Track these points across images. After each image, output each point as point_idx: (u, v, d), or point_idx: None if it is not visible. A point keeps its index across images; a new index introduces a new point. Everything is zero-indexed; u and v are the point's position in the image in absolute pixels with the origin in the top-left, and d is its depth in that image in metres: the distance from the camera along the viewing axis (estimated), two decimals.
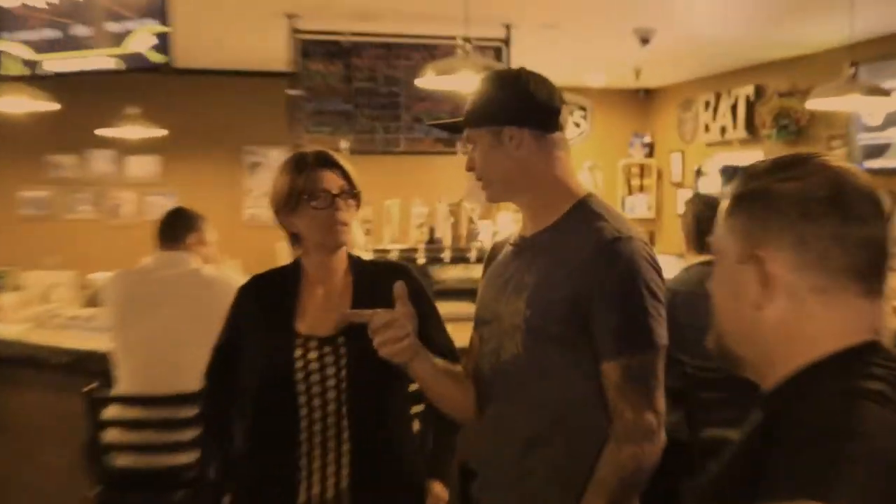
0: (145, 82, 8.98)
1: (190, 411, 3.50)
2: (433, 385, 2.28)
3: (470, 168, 2.28)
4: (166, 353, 3.73)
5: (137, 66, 4.88)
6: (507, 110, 2.21)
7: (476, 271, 7.69)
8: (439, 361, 2.26)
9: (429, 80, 5.10)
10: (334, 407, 2.50)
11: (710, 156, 9.80)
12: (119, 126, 8.06)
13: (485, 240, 7.59)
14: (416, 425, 2.94)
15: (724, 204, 1.43)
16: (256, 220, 10.06)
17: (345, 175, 2.58)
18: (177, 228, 3.97)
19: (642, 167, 11.11)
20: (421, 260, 6.35)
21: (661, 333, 2.12)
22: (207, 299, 2.94)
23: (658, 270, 2.15)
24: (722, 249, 1.41)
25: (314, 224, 2.54)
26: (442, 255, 6.25)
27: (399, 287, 2.13)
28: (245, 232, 9.37)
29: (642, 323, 2.09)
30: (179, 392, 3.53)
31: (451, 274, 7.52)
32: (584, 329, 2.12)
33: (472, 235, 7.61)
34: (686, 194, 10.01)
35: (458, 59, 5.00)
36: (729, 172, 8.11)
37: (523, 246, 2.27)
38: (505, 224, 6.78)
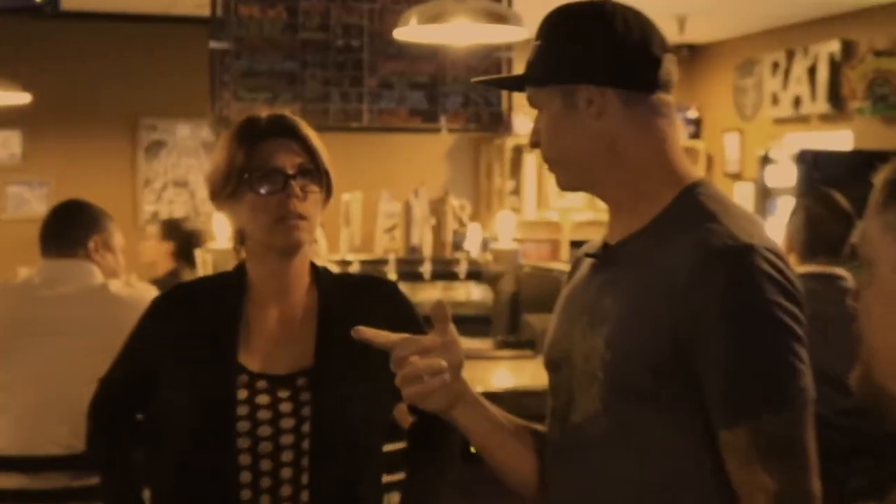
0: None
1: (94, 479, 3.50)
2: (488, 445, 2.26)
3: (534, 143, 2.26)
4: (63, 396, 3.73)
5: (9, 6, 4.88)
6: (583, 61, 2.18)
7: (463, 291, 7.72)
8: (498, 411, 2.25)
9: (411, 31, 5.13)
10: (290, 473, 2.50)
11: (780, 137, 9.90)
12: None
13: (472, 248, 7.61)
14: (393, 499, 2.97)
15: (875, 196, 1.46)
16: (159, 220, 10.05)
17: (307, 149, 2.56)
18: (73, 229, 3.98)
19: (686, 152, 11.20)
20: (391, 275, 6.37)
21: (805, 383, 2.03)
22: (117, 326, 2.93)
23: (794, 294, 2.07)
24: (874, 254, 1.44)
25: (259, 215, 2.53)
26: (420, 270, 6.27)
27: (439, 308, 2.09)
28: (143, 236, 9.35)
29: (774, 370, 2.02)
30: (78, 453, 3.53)
31: (430, 295, 7.55)
32: (689, 380, 2.06)
33: (458, 243, 7.64)
34: (746, 188, 10.11)
35: (450, 0, 5.03)
36: (807, 160, 8.19)
37: (606, 258, 2.23)
38: (504, 228, 6.80)
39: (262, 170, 2.52)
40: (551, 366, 2.29)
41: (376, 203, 7.53)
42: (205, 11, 7.08)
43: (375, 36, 6.89)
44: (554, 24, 2.24)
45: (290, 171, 2.52)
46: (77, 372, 3.72)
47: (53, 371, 3.77)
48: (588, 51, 2.18)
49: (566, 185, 2.27)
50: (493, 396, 4.22)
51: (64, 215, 4.05)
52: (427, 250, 6.95)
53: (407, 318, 2.61)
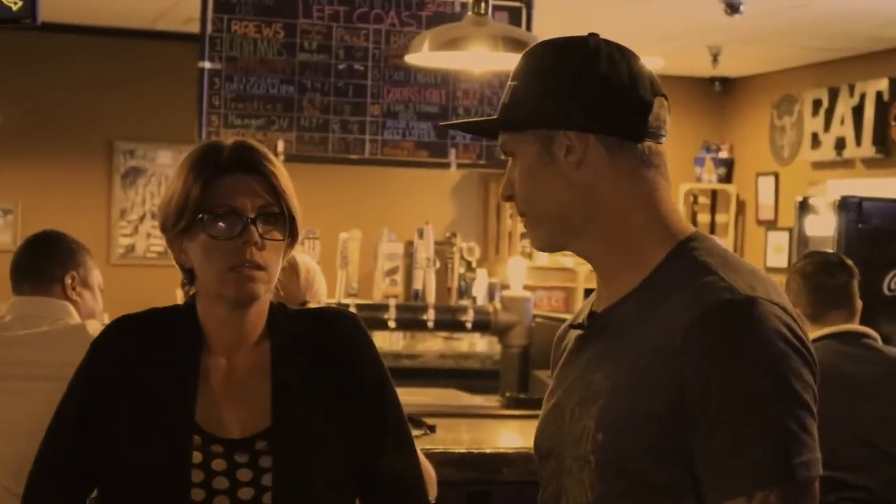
0: None
1: None
2: None
3: (507, 196, 2.23)
4: (29, 447, 3.73)
5: None
6: (563, 105, 2.14)
7: (467, 342, 7.74)
8: None
9: (423, 56, 5.17)
10: None
11: (820, 182, 9.94)
12: None
13: (478, 296, 7.63)
14: None
15: None
16: (135, 255, 10.09)
17: (272, 188, 2.48)
18: (48, 263, 3.98)
19: (715, 195, 11.25)
20: (392, 323, 6.39)
21: (810, 458, 1.98)
22: None
23: (804, 353, 2.02)
24: None
25: (211, 260, 2.45)
26: (423, 318, 6.29)
27: None
28: (117, 273, 9.39)
29: (773, 442, 1.97)
30: None
31: (432, 346, 7.57)
32: (689, 461, 2.03)
33: (465, 289, 7.65)
34: (781, 238, 10.15)
35: (467, 24, 5.08)
36: (851, 208, 8.21)
37: (594, 328, 2.20)
38: (516, 274, 6.83)
39: (220, 209, 2.44)
40: (540, 454, 2.27)
41: (376, 243, 7.55)
42: (193, 28, 7.10)
43: (381, 60, 6.92)
44: (531, 63, 2.20)
45: (251, 214, 2.44)
46: (37, 419, 3.71)
47: (21, 419, 3.76)
48: (569, 94, 2.14)
49: (542, 243, 2.23)
50: (500, 458, 4.29)
51: (39, 248, 4.04)
52: (430, 296, 6.96)
53: (365, 358, 2.58)
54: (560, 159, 2.13)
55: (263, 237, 2.45)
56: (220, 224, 2.44)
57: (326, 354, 2.55)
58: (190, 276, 2.54)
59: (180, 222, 2.47)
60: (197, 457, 2.45)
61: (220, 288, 2.46)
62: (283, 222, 2.49)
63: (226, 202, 2.45)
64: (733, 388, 1.98)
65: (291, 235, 2.52)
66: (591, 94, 2.13)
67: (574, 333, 2.26)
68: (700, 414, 1.99)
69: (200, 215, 2.44)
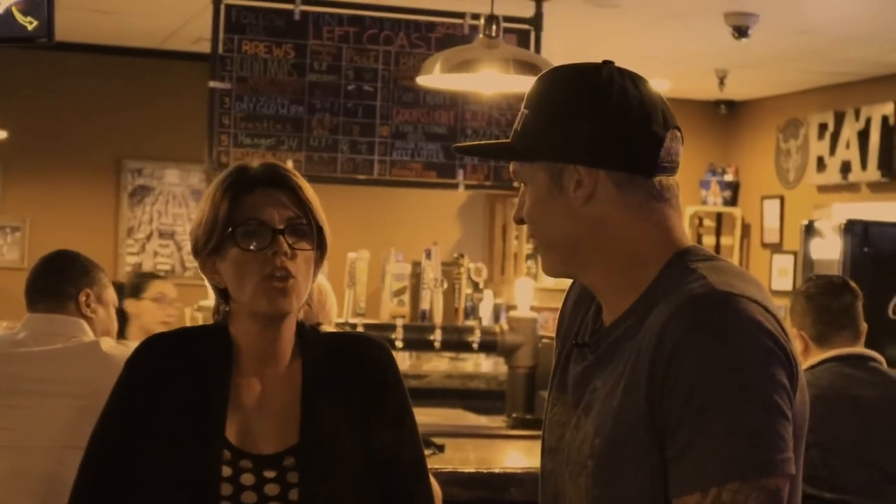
0: None
1: None
2: None
3: (518, 220, 2.23)
4: (40, 464, 3.75)
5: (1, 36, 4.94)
6: (572, 139, 2.12)
7: (472, 362, 7.76)
8: None
9: (434, 79, 5.21)
10: None
11: (825, 206, 9.96)
12: None
13: (485, 317, 7.65)
14: None
15: None
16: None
17: (299, 201, 2.52)
18: (63, 281, 4.01)
19: (720, 218, 11.26)
20: (399, 343, 6.40)
21: (776, 457, 1.96)
22: (107, 388, 2.96)
23: (780, 352, 1.99)
24: None
25: (243, 274, 2.49)
26: (430, 338, 6.30)
27: None
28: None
29: (733, 434, 1.95)
30: None
31: (437, 366, 7.59)
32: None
33: (471, 309, 7.67)
34: (786, 261, 10.17)
35: (477, 46, 5.12)
36: (857, 232, 8.22)
37: (596, 343, 2.19)
38: (523, 295, 6.85)
39: (248, 223, 2.49)
40: (547, 447, 2.28)
41: (384, 263, 7.57)
42: (203, 48, 7.15)
43: (390, 81, 6.95)
44: (543, 92, 2.19)
45: (279, 226, 2.48)
46: (57, 437, 3.75)
47: (32, 435, 3.78)
48: (578, 127, 2.12)
49: (550, 269, 2.23)
50: (508, 478, 4.31)
51: (53, 266, 4.06)
52: (438, 317, 6.98)
53: (390, 384, 2.62)
54: (569, 193, 2.12)
55: (293, 248, 2.48)
56: (250, 237, 2.49)
57: (354, 377, 2.59)
58: (224, 296, 2.58)
59: (211, 241, 2.52)
60: (226, 471, 2.49)
61: (254, 302, 2.50)
62: (312, 233, 2.52)
63: (254, 215, 2.49)
64: (699, 382, 1.96)
65: (320, 247, 2.56)
66: (601, 128, 2.11)
67: (575, 350, 2.25)
68: (668, 410, 1.99)
69: (230, 230, 2.49)
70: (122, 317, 5.85)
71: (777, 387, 1.97)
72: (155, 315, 6.07)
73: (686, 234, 2.20)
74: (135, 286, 6.18)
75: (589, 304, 2.29)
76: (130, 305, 6.03)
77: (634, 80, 2.15)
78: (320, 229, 2.54)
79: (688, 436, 1.97)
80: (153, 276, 6.87)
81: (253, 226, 2.49)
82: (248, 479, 2.50)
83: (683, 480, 1.98)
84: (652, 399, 2.01)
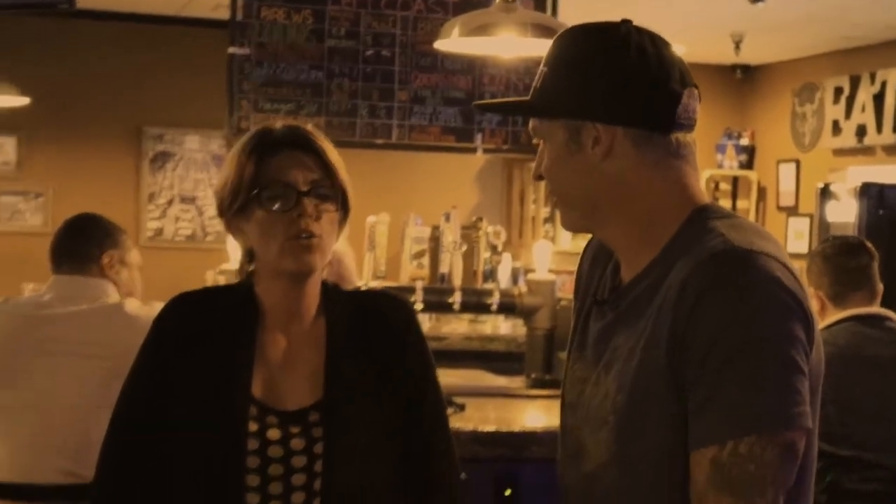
0: None
1: None
2: None
3: (537, 176, 2.26)
4: (68, 424, 3.79)
5: (22, 2, 4.96)
6: (590, 96, 2.14)
7: (491, 325, 7.77)
8: None
9: (453, 42, 5.20)
10: None
11: (841, 169, 9.94)
12: None
13: (503, 280, 7.65)
14: None
15: None
16: (164, 238, 10.13)
17: (323, 164, 2.55)
18: (86, 243, 4.04)
19: (736, 182, 11.25)
20: (418, 305, 6.42)
21: (793, 411, 1.98)
22: (132, 348, 2.97)
23: (797, 307, 2.02)
24: None
25: (268, 234, 2.52)
26: (449, 300, 6.31)
27: None
28: (146, 255, 9.41)
29: (751, 388, 1.97)
30: (83, 482, 3.59)
31: (457, 328, 7.61)
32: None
33: (489, 272, 7.69)
34: (802, 223, 10.16)
35: (495, 10, 5.10)
36: (871, 194, 8.23)
37: (616, 301, 2.22)
38: (541, 258, 6.86)
39: (273, 185, 2.51)
40: (567, 401, 2.31)
41: (403, 226, 7.58)
42: (222, 14, 7.13)
43: (408, 46, 6.94)
44: (561, 50, 2.20)
45: (303, 188, 2.50)
46: (85, 397, 3.78)
47: (60, 395, 3.82)
48: (596, 85, 2.13)
49: (568, 224, 2.26)
50: (529, 437, 4.32)
51: (77, 229, 4.09)
52: (457, 279, 7.00)
53: (412, 340, 2.65)
54: (587, 149, 2.15)
55: (317, 208, 2.51)
56: (275, 199, 2.51)
57: (377, 334, 2.62)
58: (249, 255, 2.62)
59: (236, 202, 2.55)
60: (252, 426, 2.52)
61: (279, 261, 2.53)
62: (335, 195, 2.55)
63: (278, 178, 2.52)
64: (720, 338, 1.99)
65: (343, 208, 2.59)
66: (618, 85, 2.13)
67: (595, 307, 2.28)
68: (688, 365, 2.02)
69: (255, 191, 2.52)
70: None
71: (795, 342, 1.99)
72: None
73: (703, 192, 2.22)
74: None
75: (606, 262, 2.31)
76: None
77: (653, 39, 2.17)
78: (343, 191, 2.57)
79: (707, 390, 2.00)
80: None
81: (278, 188, 2.51)
82: (274, 434, 2.53)
83: (702, 433, 2.00)
84: (672, 354, 2.04)
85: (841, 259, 4.39)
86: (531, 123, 2.24)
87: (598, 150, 2.14)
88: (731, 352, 1.98)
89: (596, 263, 2.35)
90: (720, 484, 1.98)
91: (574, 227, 2.28)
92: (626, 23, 2.18)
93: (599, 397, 2.17)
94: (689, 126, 2.18)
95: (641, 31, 2.17)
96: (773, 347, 1.98)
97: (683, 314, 2.02)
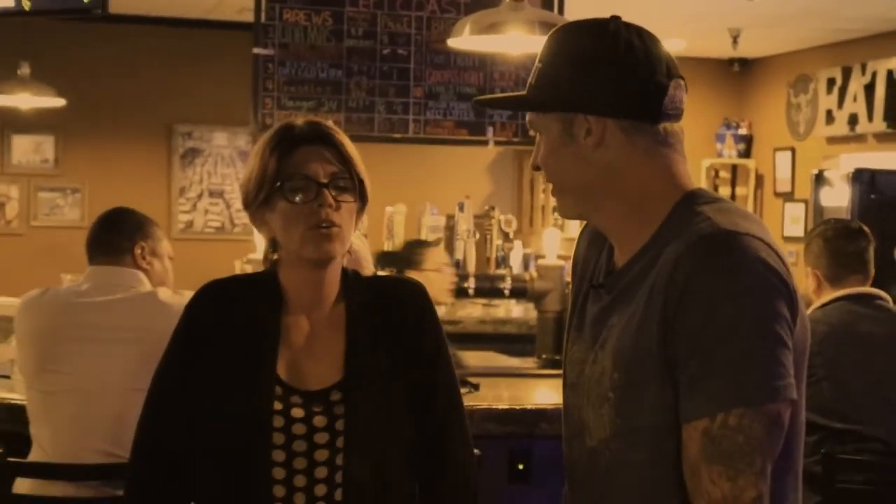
0: (36, 30, 9.09)
1: None
2: None
3: (535, 167, 2.28)
4: (105, 406, 3.80)
5: (56, 8, 4.96)
6: (581, 89, 2.15)
7: (503, 308, 7.78)
8: None
9: (464, 40, 5.20)
10: (324, 490, 2.54)
11: (834, 156, 9.92)
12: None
13: (515, 266, 7.66)
14: None
15: None
16: (194, 230, 10.15)
17: (341, 157, 2.57)
18: (119, 235, 4.05)
19: (735, 169, 11.23)
20: None
21: (778, 383, 2.00)
22: (165, 334, 2.99)
23: (781, 286, 2.04)
24: None
25: (291, 225, 2.55)
26: (465, 286, 6.32)
27: None
28: (177, 247, 9.43)
29: (739, 363, 1.99)
30: (121, 461, 3.60)
31: (471, 312, 7.62)
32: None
33: (502, 259, 7.69)
34: (798, 209, 10.14)
35: (504, 9, 5.10)
36: (864, 180, 8.21)
37: (611, 284, 2.23)
38: (550, 244, 6.86)
39: (295, 178, 2.54)
40: (569, 382, 2.32)
41: (420, 216, 7.59)
42: (247, 17, 7.15)
43: (423, 44, 6.95)
44: (554, 47, 2.21)
45: (323, 180, 2.53)
46: (122, 381, 3.79)
47: (98, 379, 3.83)
48: (587, 78, 2.15)
49: (565, 212, 2.28)
50: (539, 414, 4.32)
51: (110, 222, 4.11)
52: (471, 266, 7.01)
53: (427, 323, 2.67)
54: (580, 140, 2.17)
55: (337, 200, 2.53)
56: (297, 190, 2.54)
57: (393, 317, 2.64)
58: (273, 245, 2.64)
59: (261, 194, 2.58)
60: (277, 405, 2.54)
61: (302, 249, 2.56)
62: (353, 186, 2.57)
63: (300, 171, 2.54)
64: (708, 316, 2.01)
65: (361, 198, 2.61)
66: (608, 78, 2.15)
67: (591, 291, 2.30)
68: (679, 342, 2.04)
69: (278, 184, 2.54)
70: None
71: (779, 319, 2.02)
72: (440, 284, 5.84)
73: (691, 179, 2.23)
74: (412, 260, 5.88)
75: (601, 248, 2.33)
76: (414, 277, 5.78)
77: (640, 34, 2.19)
78: (361, 182, 2.59)
79: (697, 366, 2.02)
80: (422, 243, 6.52)
81: (300, 180, 2.54)
82: (297, 412, 2.55)
83: (693, 407, 2.03)
84: (664, 333, 2.06)
85: (841, 242, 4.39)
86: (528, 117, 2.27)
87: (591, 140, 2.16)
88: (719, 329, 2.00)
89: (591, 249, 2.37)
90: (711, 455, 2.00)
91: (570, 214, 2.30)
92: (615, 19, 2.20)
93: (597, 375, 2.18)
94: (677, 116, 2.19)
95: (630, 27, 2.18)
96: (758, 324, 2.01)
97: (674, 294, 2.04)
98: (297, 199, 2.53)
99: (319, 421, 2.55)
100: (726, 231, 2.05)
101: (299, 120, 2.64)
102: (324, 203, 2.52)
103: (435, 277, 5.77)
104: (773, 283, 2.03)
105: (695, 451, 2.02)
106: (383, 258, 6.35)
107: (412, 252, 5.96)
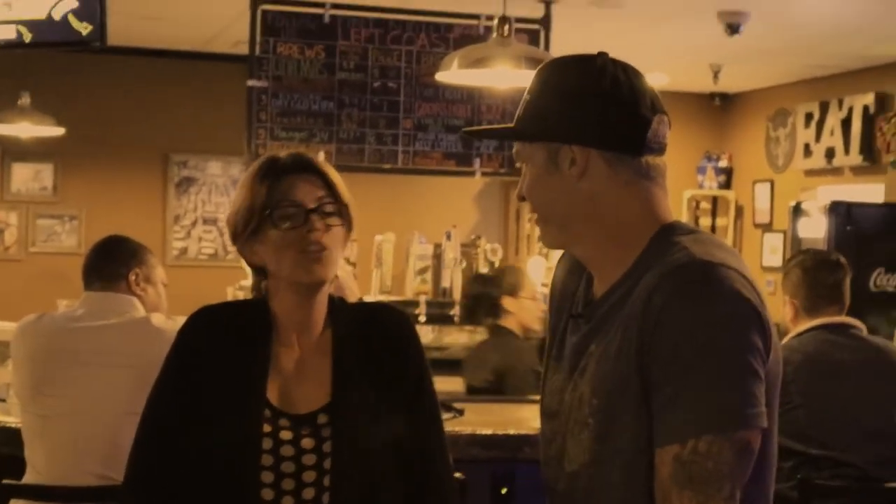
0: (35, 61, 9.09)
1: None
2: None
3: (521, 197, 2.27)
4: (100, 430, 3.79)
5: (57, 40, 4.96)
6: (567, 121, 2.16)
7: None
8: None
9: (452, 74, 5.22)
10: None
11: (811, 189, 9.94)
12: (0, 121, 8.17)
13: None
14: None
15: None
16: (188, 257, 10.14)
17: (327, 183, 2.59)
18: (114, 262, 4.04)
19: (715, 201, 11.25)
20: (422, 318, 6.43)
21: (748, 412, 1.99)
22: (158, 359, 2.98)
23: (755, 316, 2.03)
24: None
25: (282, 251, 2.56)
26: (450, 313, 6.33)
27: None
28: (171, 273, 9.41)
29: (711, 390, 1.99)
30: (115, 483, 3.59)
31: (458, 338, 7.60)
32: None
33: None
34: (776, 239, 10.15)
35: (492, 44, 5.12)
36: (840, 212, 8.24)
37: (589, 314, 2.23)
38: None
39: (283, 205, 2.55)
40: (547, 413, 2.31)
41: (408, 245, 7.59)
42: (242, 49, 7.18)
43: (412, 78, 6.99)
44: (543, 80, 2.22)
45: (311, 205, 2.54)
46: (115, 405, 3.78)
47: (92, 403, 3.82)
48: (573, 111, 2.15)
49: (548, 241, 2.28)
50: (523, 439, 4.31)
51: (106, 249, 4.10)
52: (457, 293, 7.01)
53: (410, 349, 2.68)
54: (564, 170, 2.16)
55: (325, 224, 2.55)
56: (286, 217, 2.55)
57: (379, 343, 2.65)
58: (261, 274, 2.65)
59: (250, 224, 2.59)
60: (267, 427, 2.55)
61: (293, 274, 2.57)
62: (340, 210, 2.59)
63: (287, 198, 2.56)
64: (681, 344, 2.00)
65: (348, 223, 2.62)
66: (593, 111, 2.15)
67: (571, 321, 2.29)
68: (654, 370, 2.04)
69: (267, 212, 2.56)
70: (499, 310, 5.78)
71: (751, 348, 2.02)
72: (534, 311, 5.85)
73: (671, 212, 2.23)
74: (512, 286, 5.85)
75: (579, 278, 2.32)
76: (509, 303, 5.83)
77: (625, 69, 2.19)
78: (346, 206, 2.60)
79: (670, 393, 2.01)
80: (518, 270, 6.41)
81: (288, 207, 2.55)
82: (286, 435, 2.55)
83: (666, 432, 2.02)
84: (640, 360, 2.05)
85: (820, 274, 4.39)
86: (515, 148, 2.26)
87: (574, 170, 2.15)
88: (692, 357, 2.00)
89: (569, 279, 2.36)
90: (682, 480, 2.00)
91: (553, 244, 2.30)
92: (601, 55, 2.20)
93: (577, 402, 2.18)
94: (659, 150, 2.19)
95: (616, 63, 2.19)
96: (730, 353, 2.00)
97: (650, 322, 2.04)
98: (287, 225, 2.54)
99: (307, 443, 2.55)
100: (701, 261, 2.05)
101: (283, 152, 2.66)
102: (312, 228, 2.53)
103: (530, 305, 5.78)
104: (747, 313, 2.03)
105: (666, 476, 2.01)
106: (479, 280, 6.35)
107: (510, 278, 5.93)
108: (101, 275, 4.04)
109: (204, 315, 2.68)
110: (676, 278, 2.04)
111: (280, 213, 2.55)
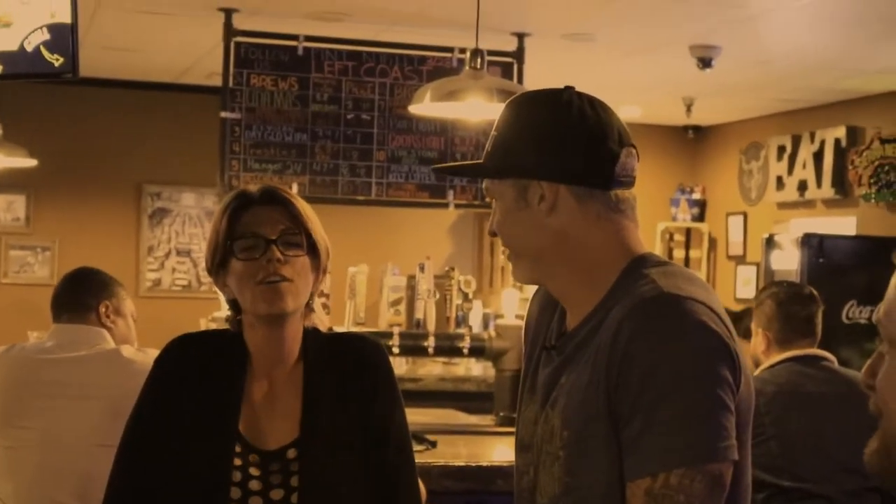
0: (8, 93, 9.07)
1: None
2: None
3: (492, 233, 2.27)
4: (71, 462, 3.77)
5: (29, 72, 4.95)
6: (535, 157, 2.15)
7: (464, 367, 7.76)
8: None
9: (425, 107, 5.22)
10: None
11: (784, 221, 9.98)
12: None
13: (474, 324, 7.64)
14: None
15: None
16: (161, 288, 10.10)
17: (291, 214, 2.58)
18: (83, 294, 4.03)
19: (689, 233, 11.28)
20: (395, 349, 6.40)
21: (718, 445, 1.99)
22: (129, 391, 2.96)
23: (727, 348, 2.03)
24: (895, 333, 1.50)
25: (243, 281, 2.56)
26: (424, 344, 6.30)
27: None
28: (145, 304, 9.42)
29: (680, 423, 1.98)
30: None
31: (432, 370, 7.59)
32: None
33: (462, 318, 7.67)
34: (749, 271, 10.18)
35: (465, 78, 5.13)
36: (812, 244, 8.26)
37: (563, 345, 2.23)
38: (509, 304, 6.86)
39: (245, 237, 2.56)
40: (521, 446, 2.30)
41: (381, 276, 7.58)
42: (215, 81, 7.19)
43: (386, 110, 7.01)
44: (510, 116, 2.21)
45: (272, 237, 2.54)
46: (86, 436, 3.76)
47: (62, 434, 3.80)
48: (541, 146, 2.15)
49: (520, 277, 2.27)
50: (495, 471, 4.31)
51: (75, 281, 4.10)
52: (431, 325, 6.98)
53: (382, 380, 2.68)
54: (534, 206, 2.16)
55: (285, 254, 2.54)
56: (247, 248, 2.56)
57: (351, 375, 2.65)
58: (235, 307, 2.64)
59: (217, 256, 2.60)
60: (237, 461, 2.55)
61: (255, 305, 2.56)
62: (302, 242, 2.58)
63: (249, 229, 2.57)
64: (649, 378, 2.00)
65: (313, 253, 2.60)
66: (561, 145, 2.15)
67: (544, 353, 2.28)
68: (623, 403, 2.03)
69: (229, 243, 2.57)
70: None
71: (720, 381, 2.01)
72: None
73: (642, 244, 2.22)
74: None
75: (553, 312, 2.32)
76: None
77: (592, 103, 2.18)
78: (309, 235, 2.59)
79: (639, 426, 2.01)
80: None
81: (249, 238, 2.56)
82: (254, 470, 2.55)
83: (636, 466, 2.02)
84: (609, 393, 2.05)
85: (794, 308, 4.40)
86: (485, 184, 2.26)
87: (544, 205, 2.15)
88: (661, 390, 1.99)
89: (543, 314, 2.36)
90: None
91: (525, 279, 2.29)
92: (568, 89, 2.20)
93: (548, 434, 2.17)
94: (629, 183, 2.19)
95: (582, 96, 2.18)
96: (699, 386, 1.99)
97: (617, 357, 2.03)
98: (246, 255, 2.55)
99: (275, 478, 2.56)
100: (668, 294, 2.04)
101: (254, 186, 2.66)
102: (272, 258, 2.53)
103: None
104: (714, 346, 2.02)
105: None
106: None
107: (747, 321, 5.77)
108: (70, 307, 4.03)
109: (182, 342, 2.70)
110: (643, 311, 2.04)
111: (241, 245, 2.56)
